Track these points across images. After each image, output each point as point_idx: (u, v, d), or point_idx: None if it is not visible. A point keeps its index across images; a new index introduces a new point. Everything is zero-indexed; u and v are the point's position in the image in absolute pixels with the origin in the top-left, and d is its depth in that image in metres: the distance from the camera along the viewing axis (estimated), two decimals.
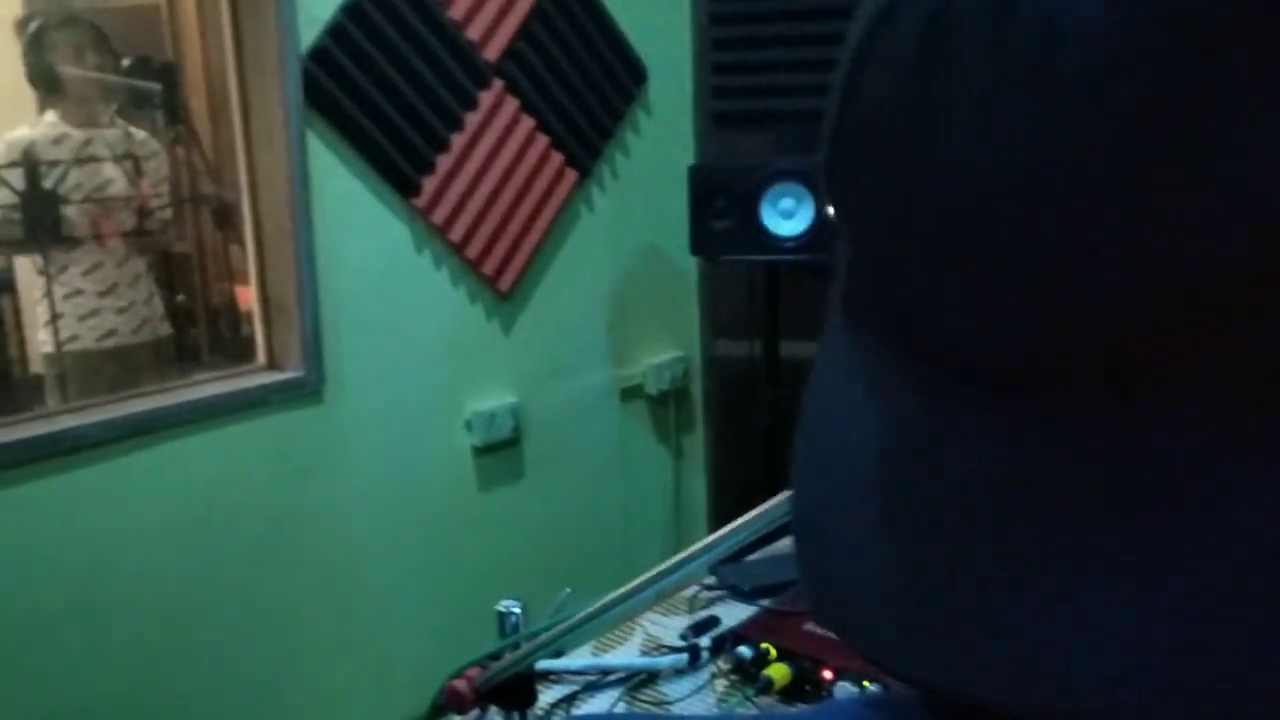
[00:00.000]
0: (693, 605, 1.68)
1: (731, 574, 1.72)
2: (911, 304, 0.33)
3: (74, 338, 3.02)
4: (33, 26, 3.10)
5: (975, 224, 0.30)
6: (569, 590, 1.25)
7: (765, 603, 1.62)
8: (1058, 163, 0.28)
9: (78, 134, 3.05)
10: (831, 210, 0.36)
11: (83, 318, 3.08)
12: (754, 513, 0.94)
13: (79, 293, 3.07)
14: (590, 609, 1.08)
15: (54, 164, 2.88)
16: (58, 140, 3.01)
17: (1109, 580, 0.29)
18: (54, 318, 2.95)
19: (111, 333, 3.14)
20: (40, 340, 3.21)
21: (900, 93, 0.31)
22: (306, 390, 2.43)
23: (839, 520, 0.35)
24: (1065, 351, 0.29)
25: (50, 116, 3.08)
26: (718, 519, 3.56)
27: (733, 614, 1.63)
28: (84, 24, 3.15)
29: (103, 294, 3.11)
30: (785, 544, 1.80)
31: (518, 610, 1.23)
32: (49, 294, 3.02)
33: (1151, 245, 0.27)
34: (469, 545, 2.83)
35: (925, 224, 0.31)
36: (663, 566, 1.01)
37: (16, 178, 2.84)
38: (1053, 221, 0.28)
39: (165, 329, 3.34)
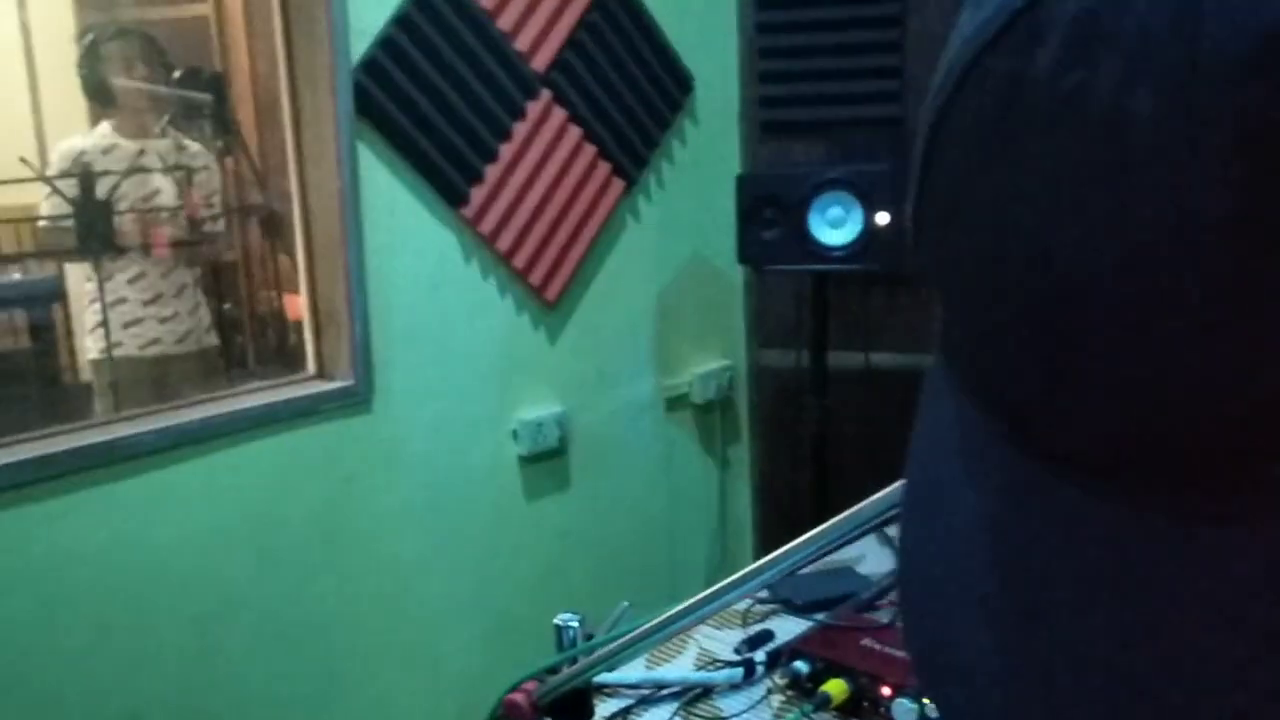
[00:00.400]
0: (745, 619, 1.67)
1: (784, 588, 1.70)
2: (997, 381, 0.33)
3: (117, 344, 3.06)
4: (87, 39, 3.15)
5: (1053, 314, 0.29)
6: (626, 604, 1.24)
7: (820, 617, 1.61)
8: (1130, 257, 0.27)
9: (128, 144, 3.09)
10: (921, 265, 0.36)
11: (126, 325, 3.12)
12: (823, 527, 0.93)
13: (123, 301, 3.11)
14: (652, 623, 1.07)
15: (107, 174, 2.91)
16: (107, 150, 3.05)
17: (1206, 666, 0.28)
18: (102, 324, 2.99)
19: (154, 341, 3.18)
20: (86, 347, 3.26)
21: (972, 170, 0.31)
22: (356, 399, 2.44)
23: (945, 592, 0.35)
24: (1155, 446, 0.29)
25: (104, 127, 3.12)
26: (763, 530, 3.55)
27: (786, 628, 1.62)
28: (138, 36, 3.20)
29: (147, 303, 3.15)
30: (837, 557, 1.79)
31: (575, 624, 1.22)
32: (96, 301, 3.06)
33: (1240, 350, 0.27)
34: (515, 554, 2.83)
35: (1004, 305, 0.31)
36: (728, 581, 1.00)
37: (67, 187, 2.88)
38: (1131, 317, 0.28)
39: (211, 339, 3.37)
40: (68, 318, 3.85)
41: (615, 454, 3.07)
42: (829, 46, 3.16)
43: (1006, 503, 0.33)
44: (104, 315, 2.97)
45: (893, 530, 1.92)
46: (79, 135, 3.11)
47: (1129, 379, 0.28)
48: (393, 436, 2.53)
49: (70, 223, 2.92)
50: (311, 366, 2.49)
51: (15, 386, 3.43)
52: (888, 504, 0.80)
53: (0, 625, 1.95)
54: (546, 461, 2.88)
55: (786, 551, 0.88)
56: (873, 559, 1.87)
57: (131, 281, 3.12)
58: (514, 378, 2.79)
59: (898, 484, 0.87)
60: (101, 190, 2.87)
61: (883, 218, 2.61)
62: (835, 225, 2.65)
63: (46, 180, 2.88)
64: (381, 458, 2.51)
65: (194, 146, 3.25)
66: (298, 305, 3.05)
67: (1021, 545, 0.32)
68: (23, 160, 2.95)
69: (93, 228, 2.85)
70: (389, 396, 2.50)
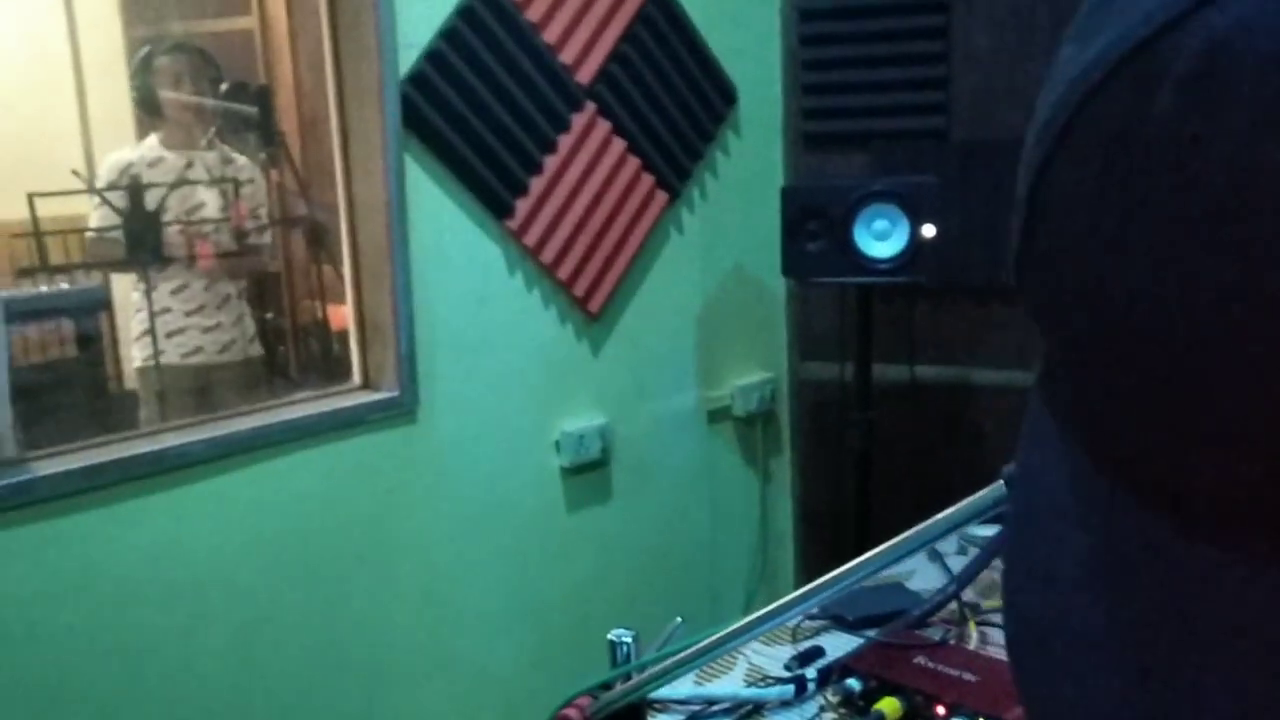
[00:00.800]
0: (795, 635, 1.66)
1: (834, 603, 1.69)
2: (1114, 434, 0.32)
3: (160, 353, 3.09)
4: (143, 52, 3.19)
5: (1176, 371, 0.28)
6: (679, 620, 1.24)
7: (871, 634, 1.60)
8: (1259, 311, 0.26)
9: (174, 157, 3.12)
10: (1026, 306, 0.36)
11: (169, 335, 3.15)
12: (885, 546, 0.92)
13: (166, 310, 3.15)
14: (708, 640, 1.06)
15: (155, 186, 2.95)
16: (154, 163, 3.09)
17: None
18: (148, 333, 3.02)
19: (197, 350, 3.21)
20: (132, 355, 3.30)
21: (1080, 220, 0.31)
22: (401, 410, 2.45)
23: (1057, 641, 0.34)
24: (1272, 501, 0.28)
25: (151, 140, 3.16)
26: (804, 543, 3.52)
27: (837, 645, 1.60)
28: (193, 51, 3.23)
29: (189, 313, 3.18)
30: (886, 573, 1.77)
31: (629, 639, 1.21)
32: (142, 311, 3.10)
33: None
34: (557, 566, 2.83)
35: (1118, 360, 0.30)
36: (787, 599, 1.00)
37: (116, 199, 2.91)
38: (1254, 374, 0.27)
39: (255, 349, 3.40)
40: (114, 327, 3.90)
41: (657, 466, 3.07)
42: (873, 58, 3.15)
43: (1123, 553, 0.32)
44: (150, 324, 3.00)
45: (942, 546, 1.90)
46: (127, 148, 3.15)
47: (1258, 431, 0.27)
48: (436, 448, 2.54)
49: (118, 234, 2.96)
50: (357, 377, 2.50)
51: (64, 395, 3.47)
52: (973, 512, 0.79)
53: (48, 632, 1.97)
54: (588, 473, 2.88)
55: (859, 564, 0.87)
56: (922, 575, 1.85)
57: (175, 292, 3.15)
58: (556, 389, 2.79)
59: (977, 496, 0.86)
60: (149, 202, 2.90)
61: (929, 230, 2.60)
62: (880, 237, 2.63)
63: (98, 192, 2.92)
64: (425, 469, 2.52)
65: (240, 159, 3.28)
66: (341, 315, 3.07)
67: (1138, 597, 0.31)
68: (74, 173, 2.99)
69: (141, 239, 2.88)
70: (433, 408, 2.51)
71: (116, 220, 2.92)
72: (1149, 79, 0.28)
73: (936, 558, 1.89)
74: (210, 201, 3.18)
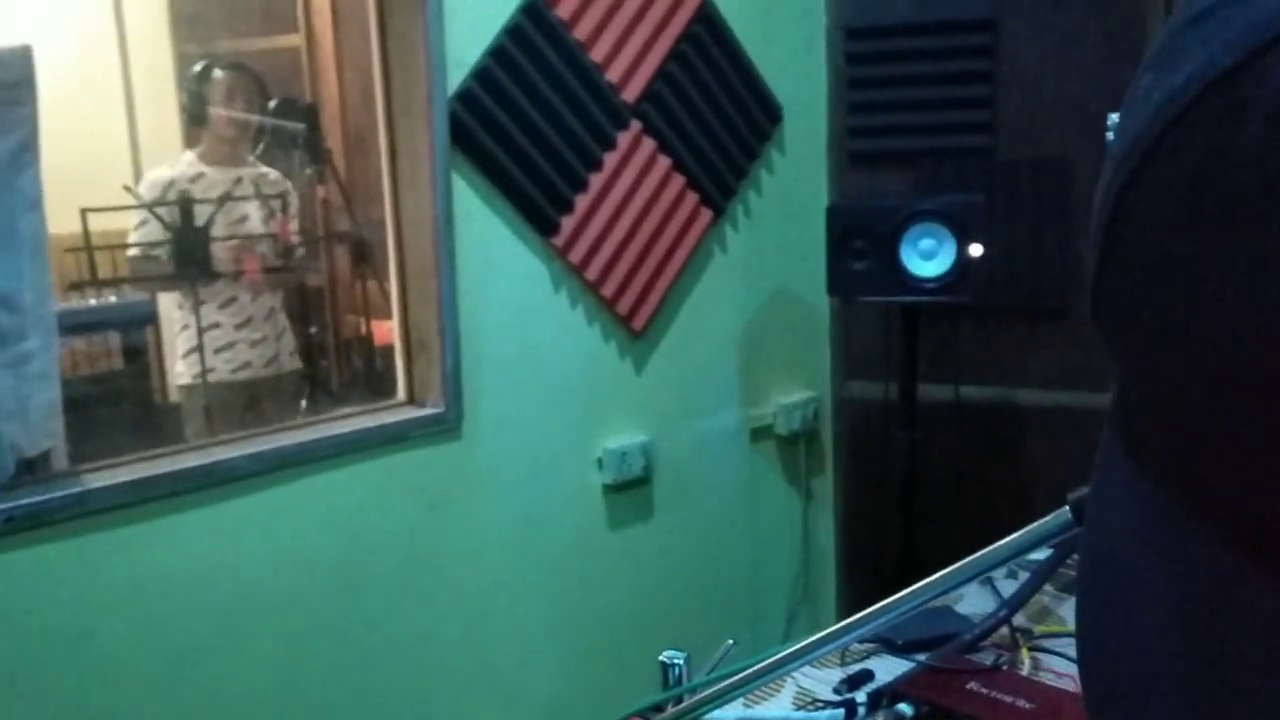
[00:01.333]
0: (844, 658, 1.64)
1: (883, 626, 1.67)
2: (1198, 470, 0.31)
3: (209, 370, 3.10)
4: (197, 68, 3.23)
5: (1265, 406, 0.28)
6: (731, 643, 1.23)
7: (921, 658, 1.58)
8: None
9: (215, 172, 3.15)
10: (1102, 337, 0.35)
11: (218, 350, 3.17)
12: (944, 573, 0.91)
13: (216, 326, 3.16)
14: (761, 664, 1.05)
15: (206, 201, 2.97)
16: (195, 179, 3.12)
17: None
18: (196, 349, 3.04)
19: (245, 365, 3.23)
20: (177, 372, 3.30)
21: (1164, 250, 0.30)
22: (446, 426, 2.46)
23: (1136, 684, 0.34)
24: None
25: (189, 156, 3.19)
26: (846, 563, 3.50)
27: (886, 668, 1.58)
28: (244, 70, 3.27)
29: (238, 326, 3.21)
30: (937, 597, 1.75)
31: (681, 661, 1.21)
32: (189, 327, 3.11)
33: None
34: (598, 583, 2.82)
35: (1202, 393, 0.30)
36: (843, 624, 0.98)
37: (163, 214, 2.94)
38: None
39: (295, 362, 3.42)
40: (159, 340, 3.94)
41: (699, 484, 3.06)
42: (919, 76, 3.14)
43: (1204, 593, 0.31)
44: (199, 340, 3.03)
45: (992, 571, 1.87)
46: (164, 166, 3.18)
47: None
48: (479, 464, 2.54)
49: (162, 250, 2.98)
50: (402, 393, 2.51)
51: (110, 407, 3.51)
52: (1037, 539, 0.78)
53: (96, 643, 1.98)
54: (630, 491, 2.87)
55: (917, 590, 0.86)
56: (971, 598, 1.83)
57: (223, 306, 3.18)
58: (599, 407, 2.79)
59: (1041, 523, 0.84)
60: (198, 217, 2.93)
61: (976, 249, 2.58)
62: (927, 256, 2.62)
63: (147, 206, 2.95)
64: (468, 485, 2.53)
65: (273, 174, 3.31)
66: (385, 330, 3.09)
67: (1221, 639, 0.31)
68: (126, 188, 3.02)
69: (190, 254, 2.91)
70: (477, 423, 2.52)
71: (161, 236, 2.95)
72: (1236, 107, 0.27)
73: (986, 581, 1.87)
74: (253, 215, 3.21)
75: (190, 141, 3.26)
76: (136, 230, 3.04)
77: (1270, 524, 0.29)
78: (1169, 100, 0.30)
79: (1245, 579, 0.30)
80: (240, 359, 3.22)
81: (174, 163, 3.19)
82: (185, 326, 3.17)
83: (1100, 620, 0.36)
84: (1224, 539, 0.30)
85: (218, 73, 3.17)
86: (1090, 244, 0.34)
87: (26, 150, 1.91)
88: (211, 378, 3.11)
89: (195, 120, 3.21)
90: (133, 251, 3.08)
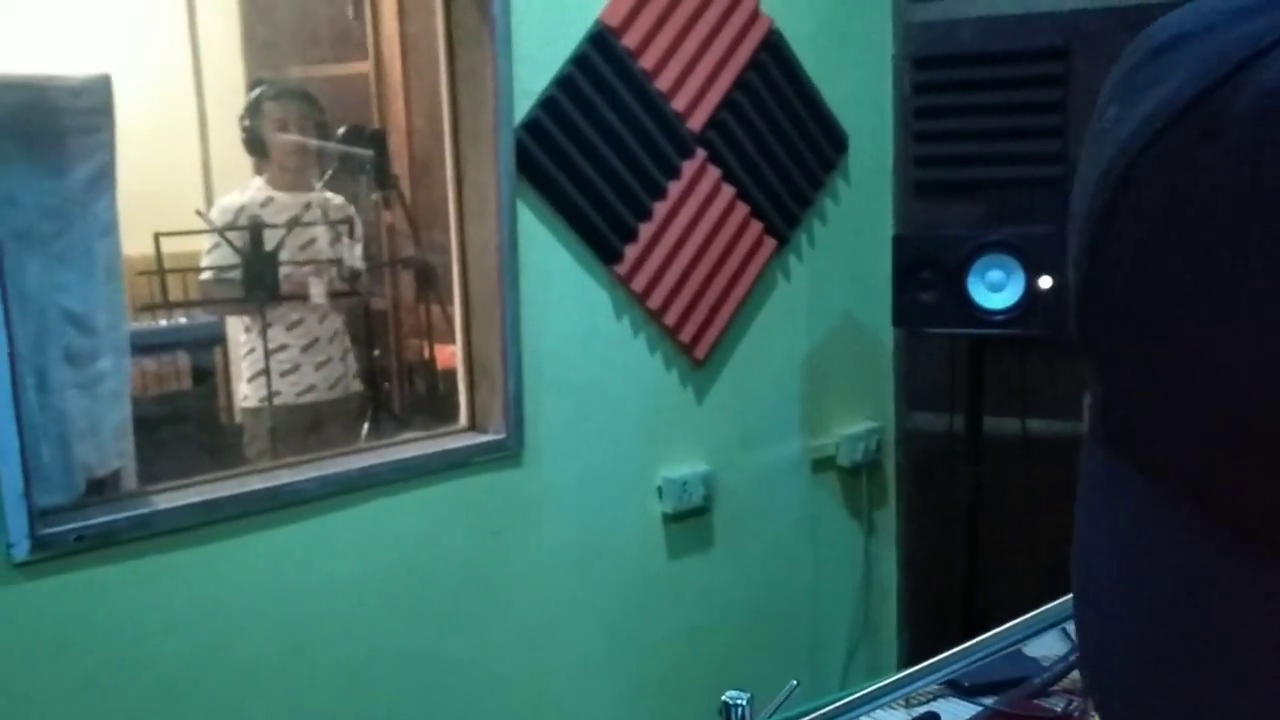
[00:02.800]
0: (909, 700, 1.61)
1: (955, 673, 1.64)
2: (1198, 473, 0.32)
3: (275, 393, 3.13)
4: (253, 94, 3.28)
5: (1259, 411, 0.29)
6: (795, 683, 1.21)
7: (989, 702, 1.54)
8: None
9: (283, 197, 3.19)
10: (1082, 350, 0.36)
11: (284, 373, 3.20)
12: (1023, 619, 0.88)
13: (283, 348, 3.19)
14: (830, 706, 1.03)
15: (274, 226, 3.02)
16: (265, 204, 3.16)
17: None
18: (263, 373, 3.07)
19: (310, 388, 3.26)
20: (243, 394, 3.33)
21: (1146, 268, 0.31)
22: (506, 453, 2.46)
23: (1123, 670, 0.34)
24: None
25: (257, 181, 3.23)
26: (908, 598, 3.45)
27: (952, 711, 1.55)
28: (295, 94, 3.31)
29: (305, 348, 3.24)
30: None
31: (744, 702, 1.19)
32: (255, 350, 3.15)
33: None
34: (657, 613, 2.80)
35: (1195, 404, 0.30)
36: (916, 669, 0.96)
37: (235, 239, 2.99)
38: None
39: (357, 385, 3.44)
40: (226, 363, 3.99)
41: (760, 515, 3.03)
42: (987, 106, 3.10)
43: (1207, 588, 0.32)
44: (265, 364, 3.06)
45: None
46: (235, 191, 3.23)
47: None
48: (540, 491, 2.54)
49: (233, 274, 3.03)
50: (464, 419, 2.52)
51: (179, 427, 3.56)
52: None
53: (160, 665, 2.00)
54: (691, 520, 2.85)
55: (994, 636, 0.83)
56: (1041, 641, 1.79)
57: (290, 328, 3.21)
58: (660, 435, 2.78)
59: None
60: (269, 243, 2.97)
61: (1045, 281, 2.54)
62: (995, 288, 2.58)
63: (218, 230, 3.00)
64: (529, 512, 2.52)
65: (336, 199, 3.35)
66: (448, 355, 3.10)
67: (1229, 631, 0.31)
68: (198, 213, 3.08)
69: (260, 278, 2.95)
70: (538, 451, 2.51)
71: (231, 260, 2.99)
72: (1207, 131, 0.29)
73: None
74: (321, 239, 3.25)
75: (259, 168, 3.30)
76: (208, 254, 3.09)
77: (1244, 510, 0.30)
78: (1142, 126, 0.31)
79: (1256, 571, 0.30)
80: (305, 382, 3.25)
81: (244, 188, 3.23)
82: (251, 350, 3.21)
83: (1084, 619, 0.37)
84: (1206, 531, 0.31)
85: (269, 102, 3.22)
86: (1072, 265, 0.35)
87: (104, 176, 1.95)
88: (276, 400, 3.13)
89: (252, 149, 3.26)
90: (205, 275, 3.13)
